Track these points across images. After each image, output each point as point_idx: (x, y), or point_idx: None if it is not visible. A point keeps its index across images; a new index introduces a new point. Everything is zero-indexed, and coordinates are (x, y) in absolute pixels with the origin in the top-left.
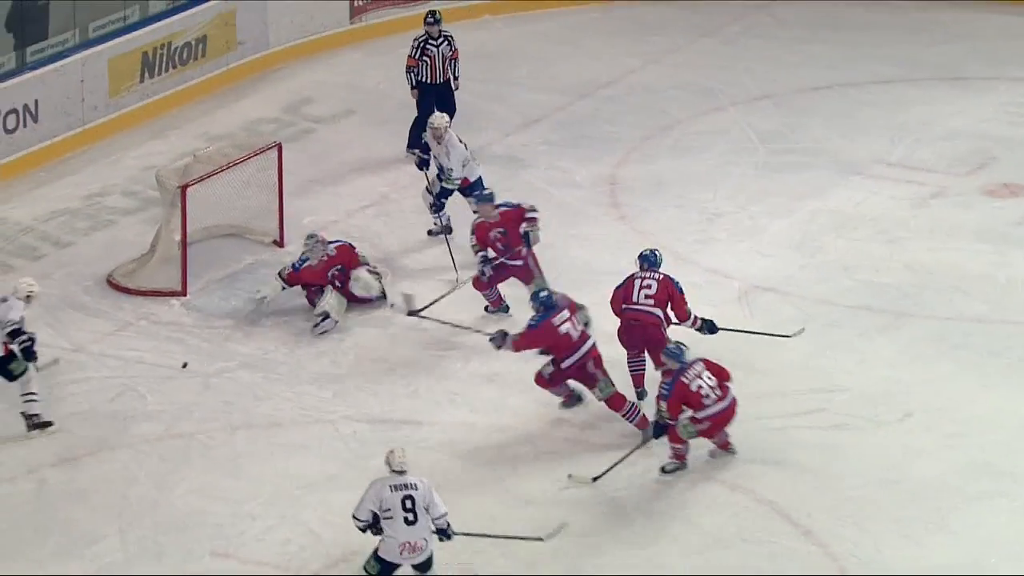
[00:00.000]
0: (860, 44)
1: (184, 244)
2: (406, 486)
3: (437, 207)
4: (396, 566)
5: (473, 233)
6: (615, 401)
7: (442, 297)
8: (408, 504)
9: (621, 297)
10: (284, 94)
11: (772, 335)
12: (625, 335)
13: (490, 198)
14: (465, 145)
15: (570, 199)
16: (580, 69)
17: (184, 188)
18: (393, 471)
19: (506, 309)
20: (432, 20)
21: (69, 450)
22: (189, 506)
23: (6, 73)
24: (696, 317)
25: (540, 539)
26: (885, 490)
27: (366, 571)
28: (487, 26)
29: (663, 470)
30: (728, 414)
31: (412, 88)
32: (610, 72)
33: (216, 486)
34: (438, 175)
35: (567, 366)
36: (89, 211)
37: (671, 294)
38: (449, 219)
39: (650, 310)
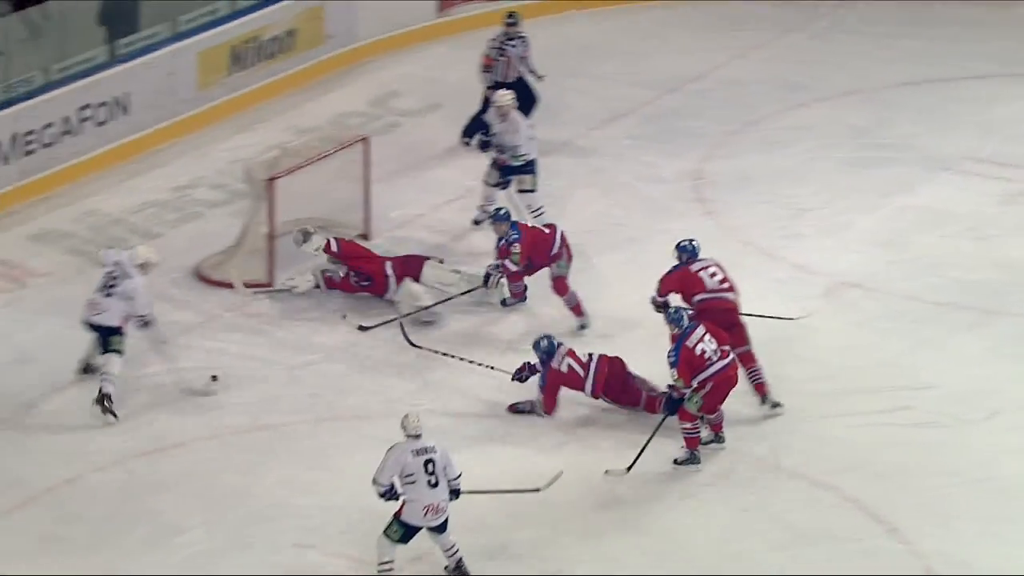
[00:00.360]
0: (951, 40)
1: (271, 236)
2: (426, 450)
3: (503, 185)
4: (418, 529)
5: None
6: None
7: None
8: (430, 468)
9: (681, 287)
10: (371, 87)
11: (779, 318)
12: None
13: (506, 217)
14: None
15: (655, 194)
16: (667, 63)
17: (272, 181)
18: (409, 436)
19: (524, 299)
20: (511, 21)
21: (156, 441)
22: (274, 498)
23: (98, 66)
24: None
25: (537, 490)
26: (972, 489)
27: (388, 536)
28: (573, 20)
29: (676, 462)
30: (730, 373)
31: (488, 88)
32: (697, 67)
33: (301, 478)
34: (493, 164)
35: (591, 393)
36: (178, 203)
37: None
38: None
39: (727, 295)
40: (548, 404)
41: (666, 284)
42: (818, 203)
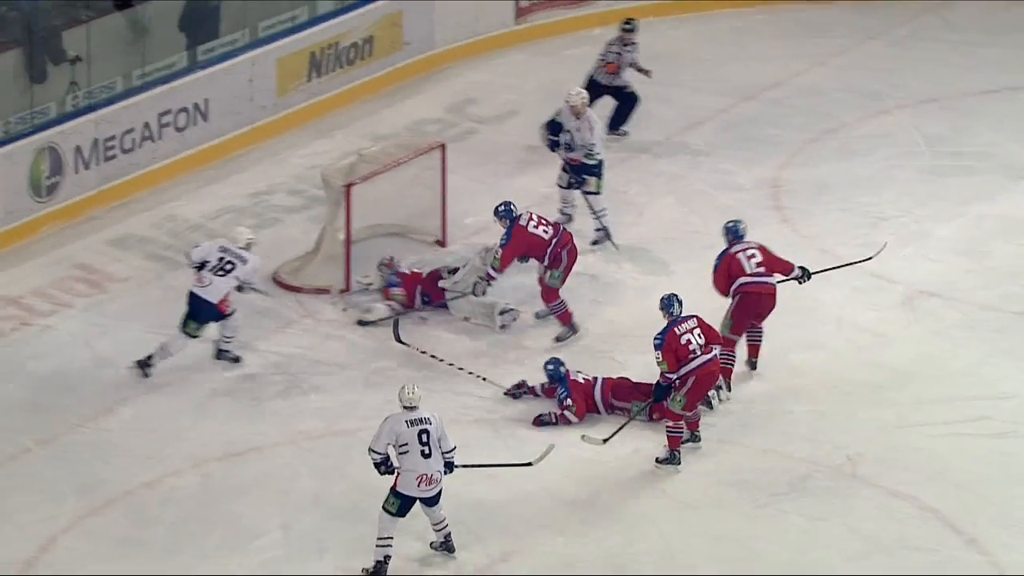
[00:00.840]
0: None
1: (348, 242)
2: (421, 420)
3: (577, 184)
4: (413, 500)
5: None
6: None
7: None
8: (424, 438)
9: (727, 274)
10: (449, 94)
11: (855, 263)
12: (745, 308)
13: (505, 214)
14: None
15: (732, 201)
16: (745, 71)
17: (349, 187)
18: (405, 407)
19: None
20: (628, 28)
21: (233, 445)
22: (350, 502)
23: (178, 72)
24: (795, 266)
25: (529, 464)
26: None
27: (386, 510)
28: (653, 28)
29: (657, 461)
30: (712, 369)
31: (616, 88)
32: (775, 74)
33: (377, 483)
34: (563, 167)
35: (601, 396)
36: (255, 209)
37: (769, 256)
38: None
39: (766, 279)
40: (580, 409)
41: (718, 281)
42: (896, 211)
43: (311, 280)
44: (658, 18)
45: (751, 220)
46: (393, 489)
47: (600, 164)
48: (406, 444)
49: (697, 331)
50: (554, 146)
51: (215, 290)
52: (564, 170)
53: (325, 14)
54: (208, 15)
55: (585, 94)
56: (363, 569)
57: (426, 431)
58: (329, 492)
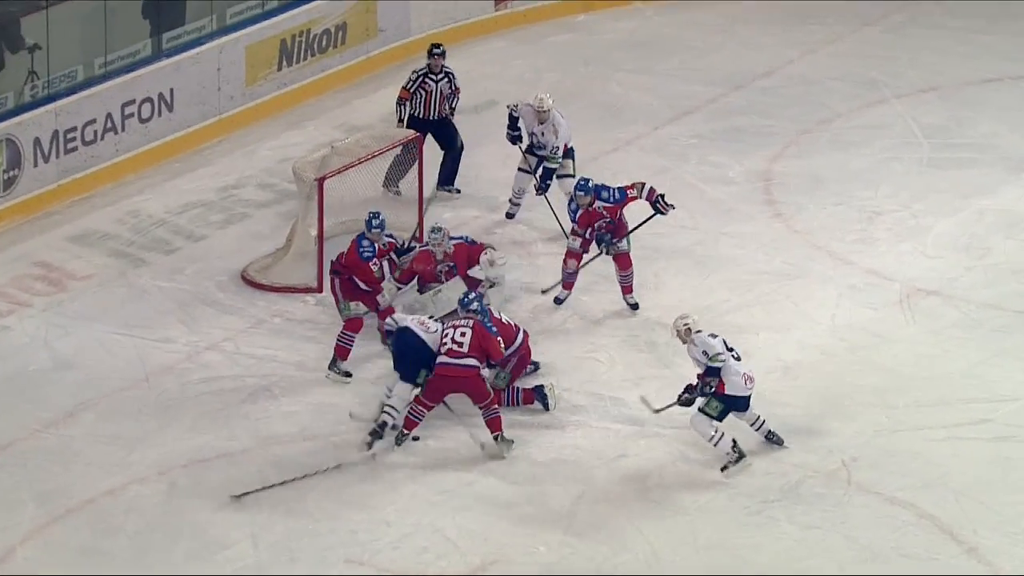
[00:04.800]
0: None
1: (321, 239)
2: (715, 335)
3: (543, 188)
4: (742, 399)
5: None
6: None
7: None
8: (728, 344)
9: None
10: None
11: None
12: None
13: (588, 188)
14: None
15: (722, 195)
16: (735, 59)
17: (321, 181)
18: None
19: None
20: (437, 52)
21: (199, 451)
22: (323, 511)
23: (142, 60)
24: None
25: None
26: None
27: (708, 413)
28: (638, 14)
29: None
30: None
31: (399, 121)
32: (766, 62)
33: (351, 491)
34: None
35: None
36: (223, 204)
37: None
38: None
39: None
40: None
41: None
42: (893, 206)
43: (281, 278)
44: (645, 4)
45: (742, 215)
46: (717, 396)
47: (570, 150)
48: (720, 353)
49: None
50: (515, 140)
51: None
52: (529, 153)
53: (296, 0)
54: (173, 1)
55: (549, 99)
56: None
57: (724, 339)
58: (300, 501)
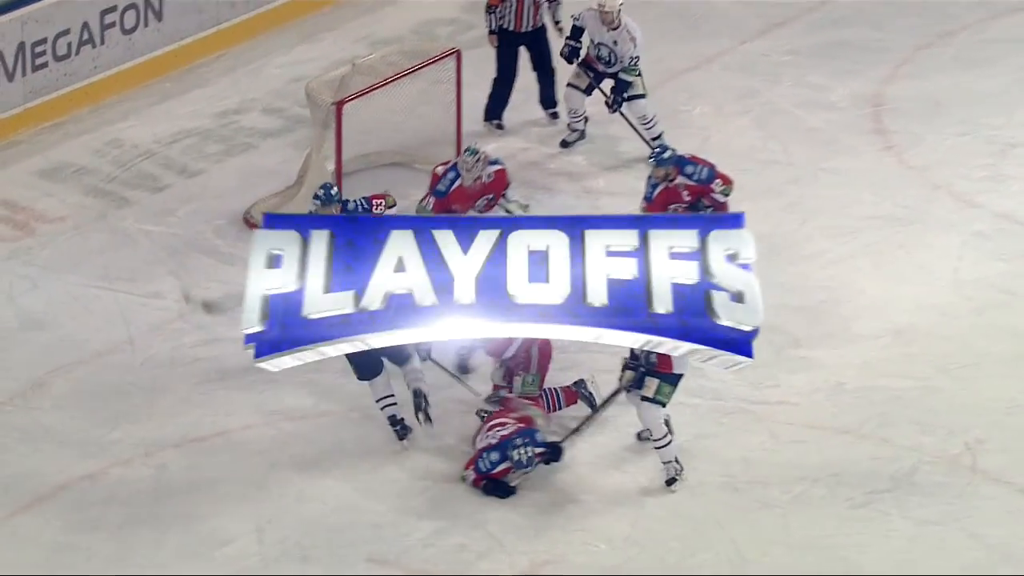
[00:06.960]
0: None
1: (339, 174)
2: None
3: (618, 104)
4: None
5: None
6: None
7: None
8: None
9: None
10: None
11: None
12: None
13: (673, 160)
14: None
15: (822, 124)
16: None
17: (340, 105)
18: None
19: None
20: None
21: (195, 428)
22: (341, 500)
23: None
24: None
25: None
26: None
27: (660, 402)
28: None
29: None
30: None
31: (490, 33)
32: None
33: (374, 477)
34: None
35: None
36: (223, 132)
37: None
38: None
39: None
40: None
41: None
42: None
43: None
44: None
45: (846, 147)
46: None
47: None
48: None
49: None
50: (574, 53)
51: None
52: (585, 72)
53: None
54: None
55: (620, 2)
56: None
57: None
58: (314, 488)
